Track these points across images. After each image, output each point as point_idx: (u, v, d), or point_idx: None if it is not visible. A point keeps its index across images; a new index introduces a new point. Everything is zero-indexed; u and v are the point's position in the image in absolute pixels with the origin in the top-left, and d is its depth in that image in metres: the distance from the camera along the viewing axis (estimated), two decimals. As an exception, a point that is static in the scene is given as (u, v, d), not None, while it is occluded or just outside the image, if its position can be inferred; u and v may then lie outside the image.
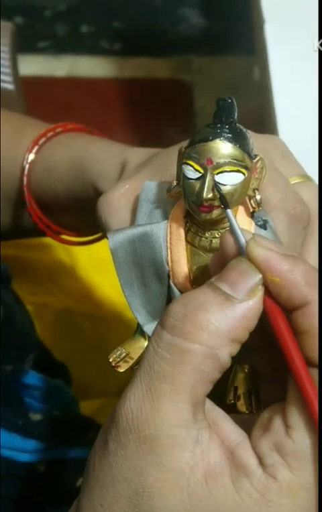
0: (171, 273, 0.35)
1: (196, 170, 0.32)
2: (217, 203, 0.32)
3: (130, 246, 0.35)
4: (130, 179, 0.40)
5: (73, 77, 1.87)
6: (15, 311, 0.52)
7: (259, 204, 0.33)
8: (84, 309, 0.75)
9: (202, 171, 0.32)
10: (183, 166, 0.33)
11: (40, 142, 0.53)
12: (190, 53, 1.85)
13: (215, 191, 0.32)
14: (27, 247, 0.76)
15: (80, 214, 0.49)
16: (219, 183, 0.32)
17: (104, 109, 1.80)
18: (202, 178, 0.32)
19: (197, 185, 0.32)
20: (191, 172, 0.32)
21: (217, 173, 0.32)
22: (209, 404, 0.30)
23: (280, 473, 0.27)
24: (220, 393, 0.34)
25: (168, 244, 0.35)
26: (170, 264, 0.35)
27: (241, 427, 0.30)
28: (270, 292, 0.29)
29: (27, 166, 0.53)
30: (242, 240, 0.30)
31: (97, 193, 0.43)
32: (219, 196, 0.32)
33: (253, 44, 0.83)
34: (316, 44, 0.68)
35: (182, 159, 0.33)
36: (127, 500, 0.29)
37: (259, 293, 0.29)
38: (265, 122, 0.68)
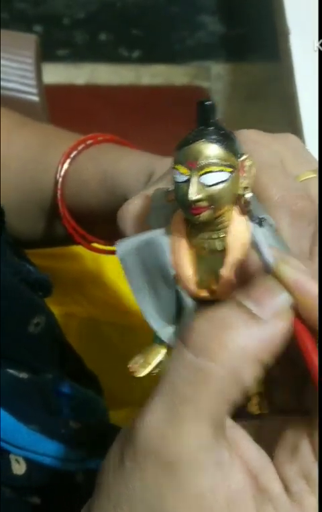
0: (176, 276, 0.35)
1: (183, 173, 0.32)
2: (205, 204, 0.32)
3: (137, 254, 0.36)
4: (148, 189, 0.40)
5: (92, 85, 1.88)
6: (55, 320, 0.53)
7: (248, 202, 0.33)
8: (111, 318, 0.75)
9: (188, 173, 0.32)
10: (172, 170, 0.33)
11: (72, 155, 0.54)
12: (209, 60, 1.85)
13: (202, 192, 0.32)
14: (54, 257, 0.76)
15: (113, 224, 0.50)
16: (205, 185, 0.32)
17: (123, 116, 1.81)
18: (188, 181, 0.32)
19: (185, 187, 0.32)
20: (178, 176, 0.33)
21: (202, 174, 0.32)
22: (229, 422, 0.29)
23: (306, 500, 0.27)
24: None
25: (171, 249, 0.35)
26: (174, 268, 0.35)
27: (255, 438, 0.30)
28: (298, 313, 0.28)
29: (60, 180, 0.53)
30: (269, 258, 0.29)
31: None
32: (207, 196, 0.32)
33: (276, 52, 0.83)
34: (316, 44, 0.68)
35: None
36: None
37: (289, 316, 0.28)
38: (291, 130, 0.68)
